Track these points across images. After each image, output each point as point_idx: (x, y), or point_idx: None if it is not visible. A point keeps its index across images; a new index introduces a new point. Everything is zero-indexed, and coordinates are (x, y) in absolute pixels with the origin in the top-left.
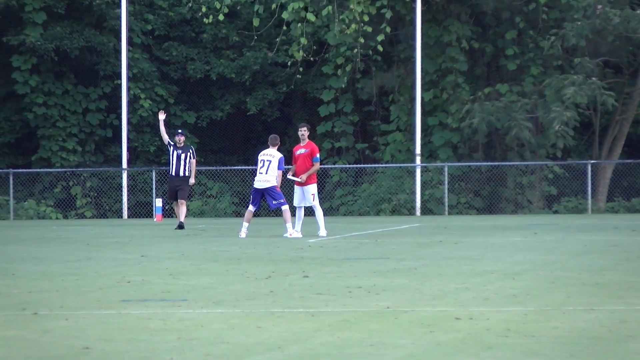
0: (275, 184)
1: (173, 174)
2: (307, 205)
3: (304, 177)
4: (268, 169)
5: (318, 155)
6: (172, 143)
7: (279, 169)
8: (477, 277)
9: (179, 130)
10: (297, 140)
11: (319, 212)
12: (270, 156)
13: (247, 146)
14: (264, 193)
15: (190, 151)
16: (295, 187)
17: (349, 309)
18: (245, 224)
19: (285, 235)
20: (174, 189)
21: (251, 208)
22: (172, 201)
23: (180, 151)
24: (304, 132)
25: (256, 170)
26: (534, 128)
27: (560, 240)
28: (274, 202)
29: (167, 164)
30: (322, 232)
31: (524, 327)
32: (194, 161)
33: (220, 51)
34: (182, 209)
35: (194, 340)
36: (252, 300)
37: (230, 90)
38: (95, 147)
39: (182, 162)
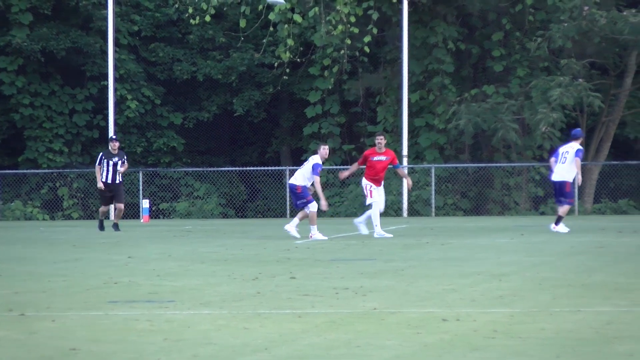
0: (299, 184)
1: (109, 181)
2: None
3: (410, 182)
4: (299, 169)
5: (398, 163)
6: (104, 160)
7: (313, 174)
8: (463, 278)
9: (113, 137)
10: (283, 142)
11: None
12: (308, 159)
13: (233, 147)
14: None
15: (124, 159)
16: (377, 188)
17: (336, 310)
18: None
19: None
20: (108, 195)
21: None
22: (105, 206)
23: (117, 159)
24: (380, 140)
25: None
26: (520, 129)
27: (546, 242)
28: (297, 202)
29: (102, 172)
30: (365, 230)
31: (511, 329)
32: (126, 164)
33: (206, 52)
34: (119, 214)
35: (180, 342)
36: (239, 302)
37: (216, 91)
38: (82, 148)
39: (117, 170)
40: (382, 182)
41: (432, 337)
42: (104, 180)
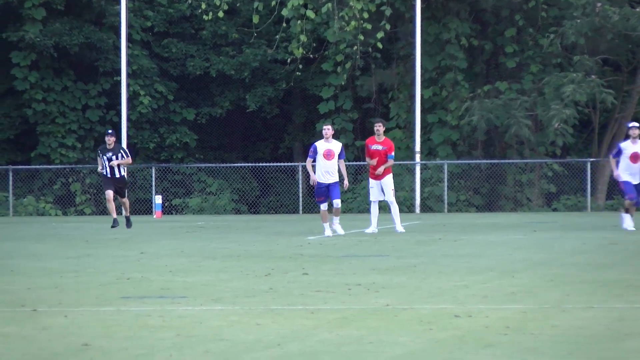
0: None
1: (109, 175)
2: (384, 199)
3: (381, 169)
4: None
5: (393, 153)
6: (100, 154)
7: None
8: (476, 274)
9: (109, 131)
10: (296, 138)
11: (396, 208)
12: None
13: (246, 143)
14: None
15: (121, 152)
16: (372, 181)
17: (348, 306)
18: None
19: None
20: (113, 185)
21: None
22: (108, 191)
23: (111, 154)
24: (379, 127)
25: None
26: (533, 126)
27: (559, 238)
28: None
29: (103, 168)
30: (399, 227)
31: (523, 325)
32: (129, 159)
33: (219, 48)
34: (126, 205)
35: (192, 337)
36: (252, 298)
37: (229, 87)
38: (95, 143)
39: (112, 164)
40: (387, 175)
41: (444, 333)
42: (104, 173)
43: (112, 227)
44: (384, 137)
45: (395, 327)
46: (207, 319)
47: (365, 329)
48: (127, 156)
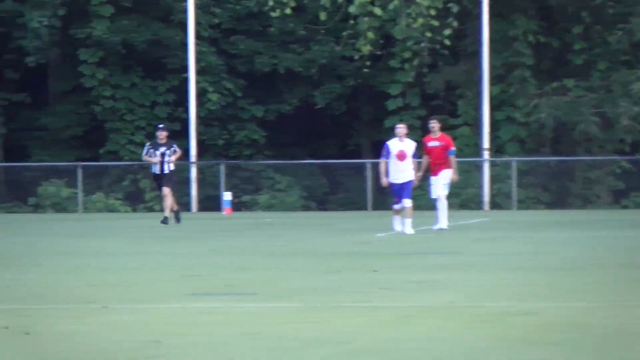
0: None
1: (158, 172)
2: (436, 195)
3: (453, 176)
4: None
5: (454, 148)
6: (151, 148)
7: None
8: (539, 272)
9: (160, 125)
10: (363, 135)
11: (443, 203)
12: None
13: (314, 140)
14: None
15: (174, 147)
16: (432, 178)
17: (413, 303)
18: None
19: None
20: (160, 182)
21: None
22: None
23: (164, 148)
24: (434, 124)
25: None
26: (601, 123)
27: (627, 237)
28: None
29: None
30: (442, 224)
31: (586, 323)
32: (180, 152)
33: (287, 45)
34: (167, 201)
35: (257, 334)
36: (317, 295)
37: (297, 84)
38: None
39: (166, 160)
40: (443, 171)
41: (506, 331)
42: (152, 171)
43: (176, 222)
44: (440, 133)
45: (458, 325)
46: (274, 316)
47: (428, 326)
48: (179, 149)
